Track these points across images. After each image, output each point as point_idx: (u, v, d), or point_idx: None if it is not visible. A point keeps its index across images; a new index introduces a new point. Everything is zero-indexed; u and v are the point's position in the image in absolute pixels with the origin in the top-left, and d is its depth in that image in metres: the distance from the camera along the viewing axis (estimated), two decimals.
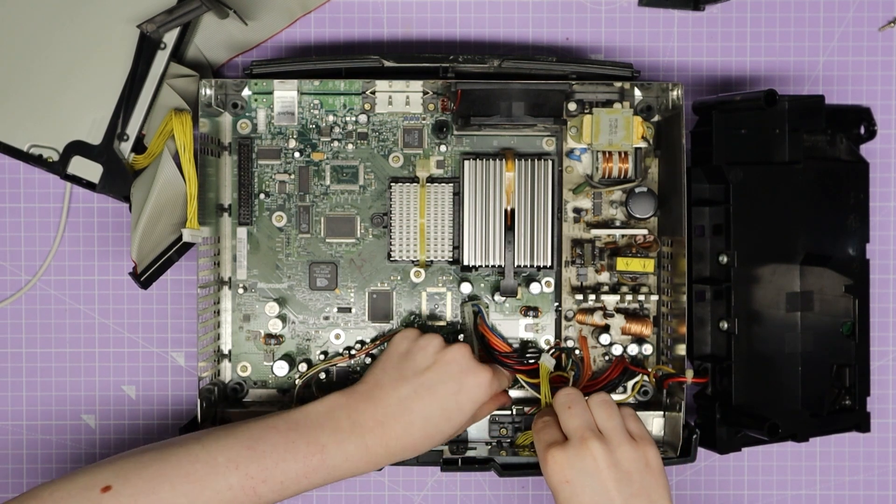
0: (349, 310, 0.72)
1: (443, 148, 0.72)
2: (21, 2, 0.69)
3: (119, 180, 0.70)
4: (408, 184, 0.71)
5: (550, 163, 0.70)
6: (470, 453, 0.70)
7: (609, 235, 0.72)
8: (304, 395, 0.71)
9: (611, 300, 0.71)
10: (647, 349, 0.71)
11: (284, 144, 0.72)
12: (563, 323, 0.72)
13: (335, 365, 0.72)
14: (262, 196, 0.72)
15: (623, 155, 0.71)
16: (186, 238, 0.67)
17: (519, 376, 0.69)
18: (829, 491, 0.77)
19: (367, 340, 0.72)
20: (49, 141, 0.69)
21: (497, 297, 0.72)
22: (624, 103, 0.71)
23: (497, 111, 0.69)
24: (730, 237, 0.68)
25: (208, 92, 0.69)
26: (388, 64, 0.68)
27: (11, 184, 0.75)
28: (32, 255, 0.75)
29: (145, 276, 0.69)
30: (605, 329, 0.71)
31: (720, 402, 0.69)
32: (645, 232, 0.71)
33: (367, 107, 0.72)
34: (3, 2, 0.69)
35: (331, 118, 0.72)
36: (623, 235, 0.72)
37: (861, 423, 0.72)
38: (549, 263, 0.70)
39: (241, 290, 0.72)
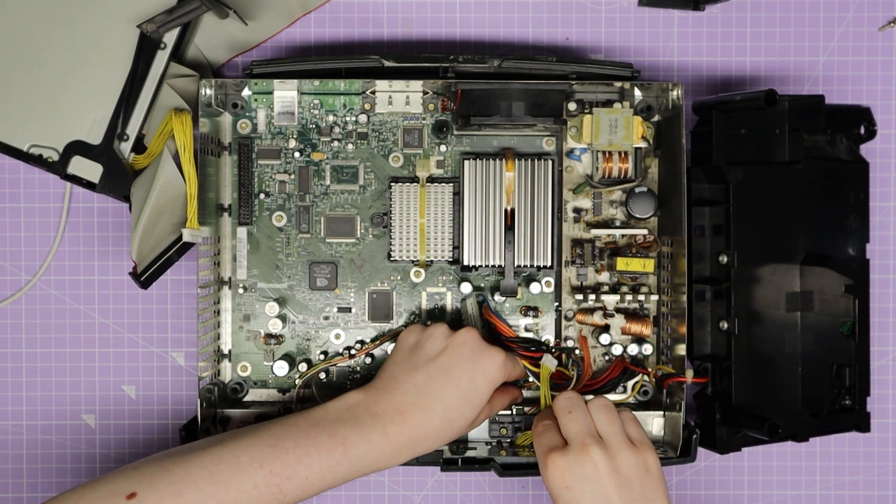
0: (349, 310, 0.72)
1: (443, 148, 0.72)
2: (21, 2, 0.69)
3: (119, 180, 0.70)
4: (408, 184, 0.71)
5: (550, 163, 0.70)
6: (470, 453, 0.70)
7: (609, 235, 0.72)
8: (305, 395, 0.71)
9: (611, 300, 0.71)
10: (647, 349, 0.71)
11: (284, 144, 0.72)
12: (563, 323, 0.72)
13: (335, 365, 0.72)
14: (262, 196, 0.72)
15: (623, 155, 0.71)
16: (186, 238, 0.67)
17: (524, 363, 0.68)
18: (829, 491, 0.77)
19: (367, 340, 0.72)
20: (49, 141, 0.69)
21: (497, 297, 0.72)
22: (624, 103, 0.71)
23: (497, 111, 0.69)
24: (730, 237, 0.68)
25: (208, 92, 0.69)
26: (388, 64, 0.68)
27: (11, 184, 0.75)
28: (32, 255, 0.75)
29: (145, 276, 0.69)
30: (605, 329, 0.71)
31: (720, 402, 0.69)
32: (645, 232, 0.71)
33: (367, 107, 0.72)
34: (3, 2, 0.69)
35: (331, 118, 0.72)
36: (623, 235, 0.72)
37: (861, 423, 0.72)
38: (549, 263, 0.70)
39: (241, 290, 0.72)
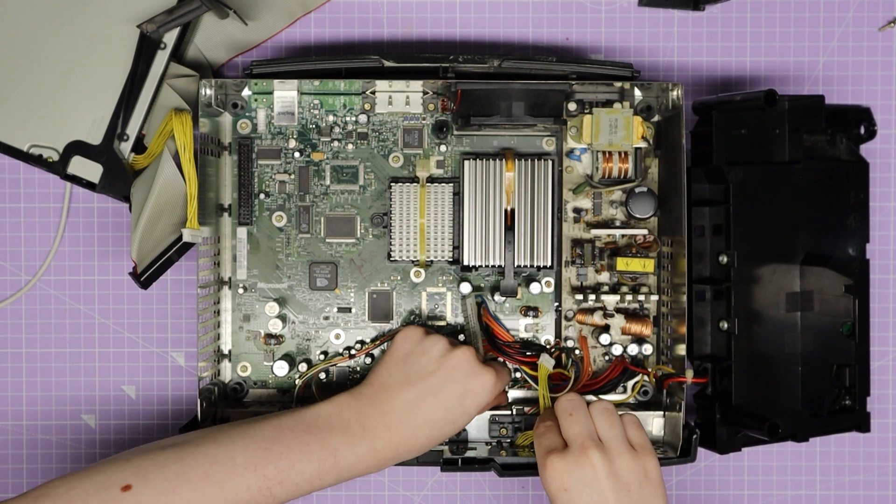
0: (349, 310, 0.72)
1: (443, 148, 0.72)
2: (21, 2, 0.69)
3: (119, 180, 0.70)
4: (408, 184, 0.71)
5: (550, 163, 0.70)
6: (470, 453, 0.70)
7: (609, 235, 0.72)
8: (305, 395, 0.71)
9: (611, 300, 0.71)
10: (647, 349, 0.71)
11: (284, 144, 0.72)
12: (563, 323, 0.72)
13: (335, 365, 0.72)
14: (262, 196, 0.72)
15: (623, 155, 0.71)
16: (186, 238, 0.67)
17: (522, 367, 0.69)
18: (829, 491, 0.77)
19: (367, 340, 0.72)
20: (49, 141, 0.69)
21: (497, 297, 0.72)
22: (624, 103, 0.71)
23: (497, 111, 0.69)
24: (730, 237, 0.68)
25: (208, 92, 0.69)
26: (388, 64, 0.68)
27: (11, 184, 0.75)
28: (32, 255, 0.75)
29: (145, 276, 0.69)
30: (605, 329, 0.71)
31: (720, 402, 0.69)
32: (645, 232, 0.71)
33: (367, 107, 0.72)
34: (3, 2, 0.69)
35: (331, 118, 0.72)
36: (623, 235, 0.72)
37: (861, 423, 0.72)
38: (549, 263, 0.70)
39: (241, 290, 0.72)
